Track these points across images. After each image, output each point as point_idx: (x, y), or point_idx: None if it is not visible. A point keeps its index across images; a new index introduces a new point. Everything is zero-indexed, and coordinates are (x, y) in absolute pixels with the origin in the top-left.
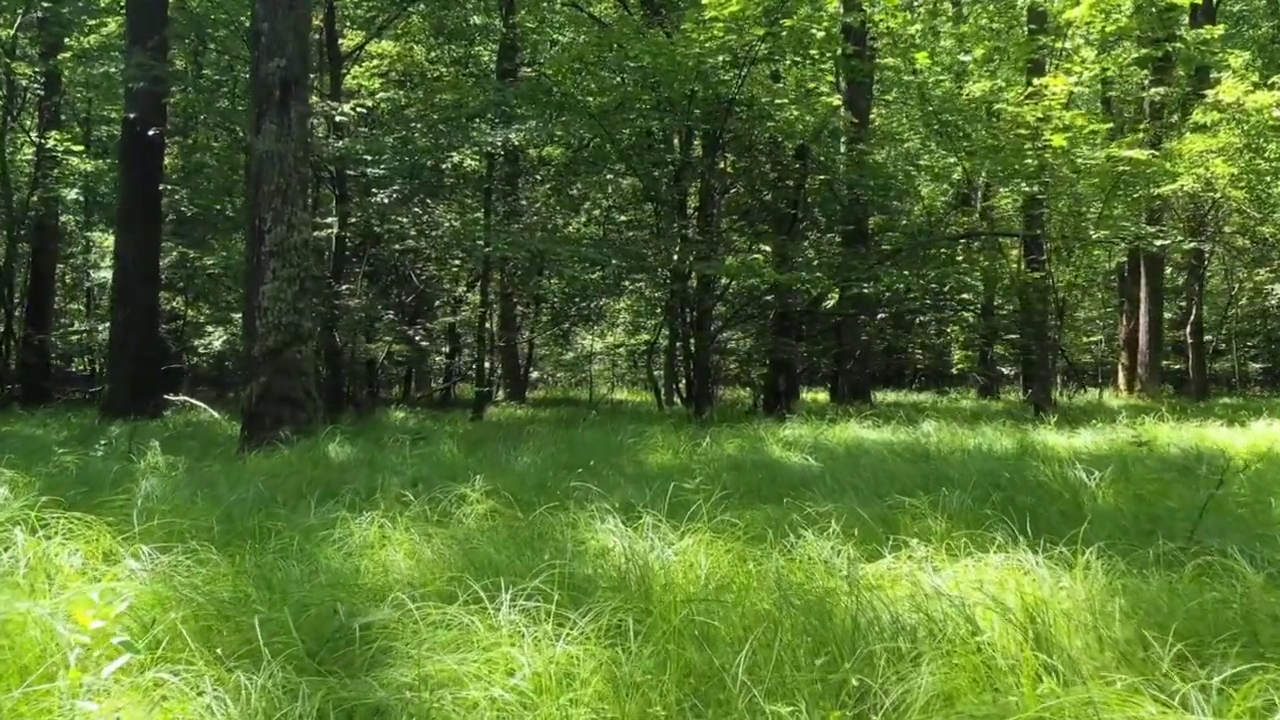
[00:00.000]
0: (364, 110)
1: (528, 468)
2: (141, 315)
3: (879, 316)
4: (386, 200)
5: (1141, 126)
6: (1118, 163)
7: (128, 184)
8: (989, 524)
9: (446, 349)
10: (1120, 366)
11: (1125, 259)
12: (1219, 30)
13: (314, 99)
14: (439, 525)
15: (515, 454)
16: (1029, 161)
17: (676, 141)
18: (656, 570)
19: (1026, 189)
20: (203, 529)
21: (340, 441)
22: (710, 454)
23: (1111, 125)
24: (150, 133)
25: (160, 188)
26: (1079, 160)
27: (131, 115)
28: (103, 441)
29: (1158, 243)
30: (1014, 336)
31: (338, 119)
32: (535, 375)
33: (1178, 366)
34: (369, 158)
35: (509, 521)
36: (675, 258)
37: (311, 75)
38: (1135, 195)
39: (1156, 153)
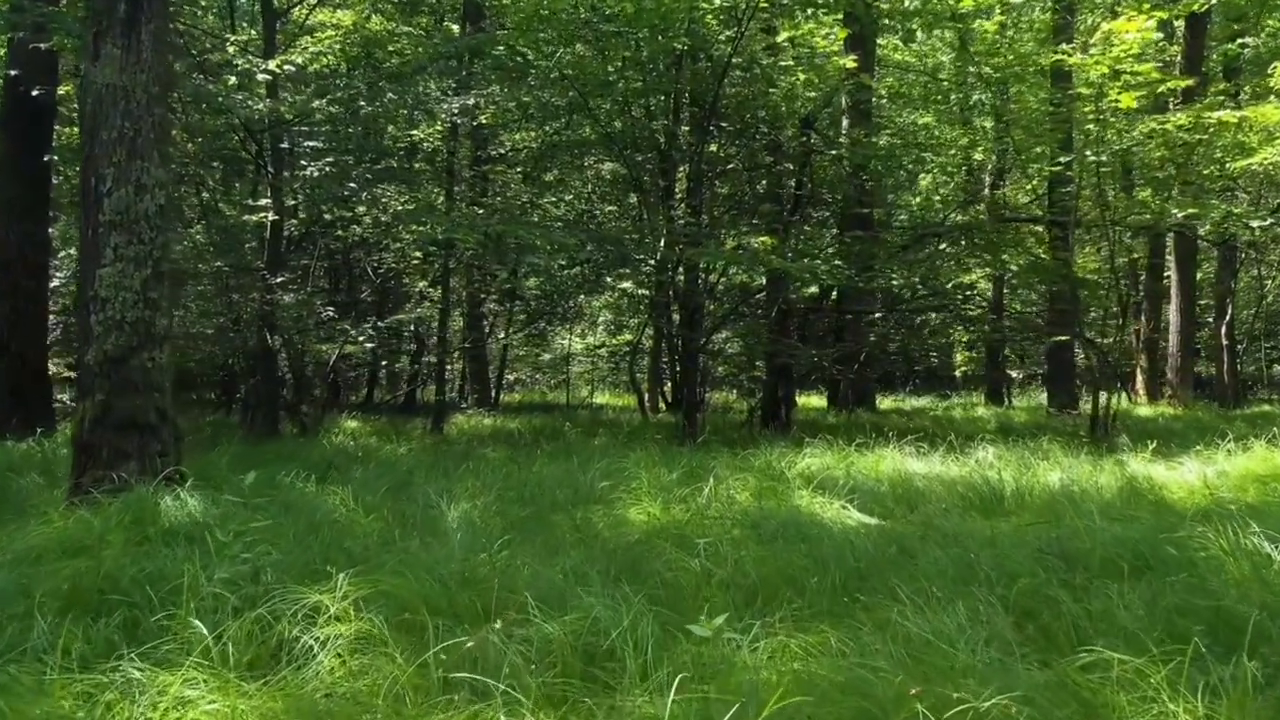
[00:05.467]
0: (294, 69)
1: (457, 530)
2: (26, 311)
3: (880, 315)
4: (317, 174)
5: (1221, 87)
6: (1195, 129)
7: (9, 157)
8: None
9: (414, 348)
10: (1139, 370)
11: (1139, 254)
12: None
13: (241, 60)
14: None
15: (450, 499)
16: (1090, 128)
17: (663, 123)
18: None
19: (1093, 157)
20: None
21: (189, 489)
22: (716, 505)
23: (1191, 82)
24: (35, 93)
25: (48, 159)
26: (1156, 124)
27: (14, 73)
28: None
29: (1253, 224)
30: (1063, 338)
31: (259, 76)
32: (512, 378)
33: (1196, 369)
34: (306, 128)
35: (370, 689)
36: (662, 244)
37: (244, 30)
38: (1207, 170)
39: (1248, 115)
